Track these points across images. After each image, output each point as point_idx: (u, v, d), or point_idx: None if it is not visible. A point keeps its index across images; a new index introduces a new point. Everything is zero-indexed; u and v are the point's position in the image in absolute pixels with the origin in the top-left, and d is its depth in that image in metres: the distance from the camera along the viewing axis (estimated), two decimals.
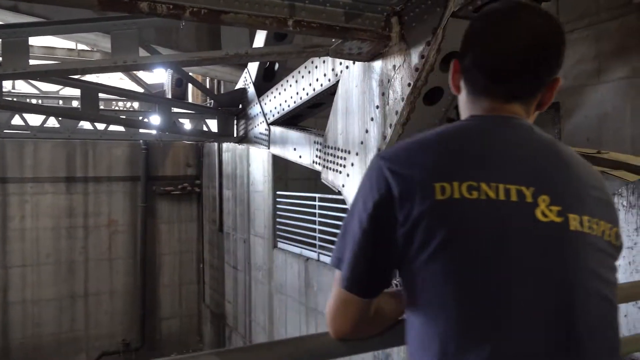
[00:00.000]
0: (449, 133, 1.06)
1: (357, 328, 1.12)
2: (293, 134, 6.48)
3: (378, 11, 4.14)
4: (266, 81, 7.79)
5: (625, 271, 3.54)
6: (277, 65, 7.78)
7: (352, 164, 5.02)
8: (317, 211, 8.09)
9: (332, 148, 5.44)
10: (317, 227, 8.08)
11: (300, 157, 6.30)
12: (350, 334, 1.12)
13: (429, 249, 0.92)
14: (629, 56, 6.92)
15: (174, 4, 3.45)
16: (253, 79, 7.81)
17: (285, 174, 9.93)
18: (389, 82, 4.44)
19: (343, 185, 5.24)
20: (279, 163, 9.62)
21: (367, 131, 4.75)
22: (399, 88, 4.27)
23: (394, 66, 4.34)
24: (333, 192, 8.08)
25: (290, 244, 9.00)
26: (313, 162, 5.96)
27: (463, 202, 0.92)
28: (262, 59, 4.96)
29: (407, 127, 4.39)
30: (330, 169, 5.50)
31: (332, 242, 7.74)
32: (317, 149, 5.84)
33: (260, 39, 7.11)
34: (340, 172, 5.28)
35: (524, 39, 1.04)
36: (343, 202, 7.42)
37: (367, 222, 0.98)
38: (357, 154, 4.94)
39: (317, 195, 8.13)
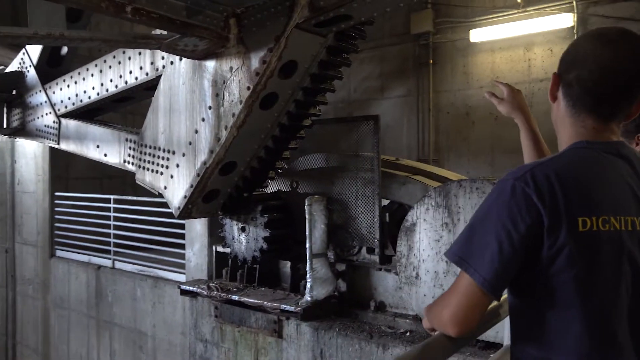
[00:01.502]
0: (577, 166, 1.17)
1: (478, 324, 1.17)
2: (96, 129, 5.81)
3: (219, 11, 4.06)
4: (51, 66, 6.78)
5: (432, 260, 4.25)
6: (64, 50, 6.84)
7: (178, 165, 4.78)
8: (112, 214, 7.38)
9: (150, 147, 5.08)
10: (112, 231, 7.37)
11: (105, 155, 5.69)
12: (472, 330, 1.17)
13: (571, 270, 1.10)
14: (405, 78, 8.24)
15: None
16: (34, 62, 6.71)
17: (66, 172, 8.76)
18: (224, 83, 4.38)
19: (165, 187, 4.94)
20: (58, 160, 8.46)
21: (196, 132, 4.59)
22: (237, 91, 4.26)
23: (231, 68, 4.30)
24: (137, 192, 7.50)
25: (75, 252, 7.99)
26: (124, 161, 5.46)
27: (599, 233, 1.11)
28: (82, 44, 4.29)
29: (242, 130, 4.41)
30: (148, 169, 5.13)
31: (129, 247, 7.17)
32: (130, 148, 5.37)
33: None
34: (162, 174, 4.97)
35: (628, 64, 1.15)
36: (143, 204, 6.97)
37: (518, 242, 1.09)
38: (183, 155, 4.73)
39: (112, 196, 7.42)
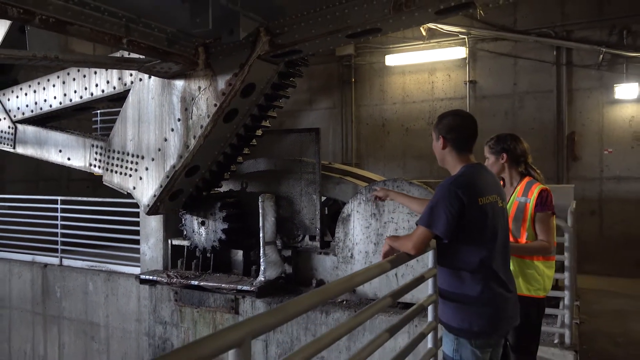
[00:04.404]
0: (472, 175, 2.28)
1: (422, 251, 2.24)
2: (58, 135, 6.32)
3: (191, 41, 4.91)
4: (1, 74, 7.11)
5: (364, 243, 5.39)
6: None
7: (147, 168, 5.52)
8: (59, 214, 7.77)
9: (119, 152, 5.75)
10: (59, 231, 7.76)
11: (69, 159, 6.24)
12: (420, 253, 2.23)
13: (479, 221, 2.20)
14: (330, 93, 9.45)
15: (25, 9, 3.53)
16: None
17: (2, 175, 8.90)
18: (192, 100, 5.22)
19: (134, 188, 5.65)
20: None
21: (166, 140, 5.38)
22: (205, 107, 5.13)
23: (199, 87, 5.16)
24: (72, 193, 7.88)
25: (16, 252, 8.23)
26: (90, 164, 6.06)
27: (486, 204, 2.23)
28: (76, 65, 4.88)
29: (208, 139, 5.28)
30: (116, 172, 5.79)
31: (79, 245, 7.62)
32: (96, 153, 5.98)
33: None
34: (131, 176, 5.67)
35: (474, 124, 2.37)
36: (89, 204, 7.50)
37: (454, 213, 2.15)
38: (153, 160, 5.48)
39: (59, 197, 7.81)
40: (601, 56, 7.40)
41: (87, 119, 9.53)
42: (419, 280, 2.30)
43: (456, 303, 2.19)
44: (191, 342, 0.97)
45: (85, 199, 7.60)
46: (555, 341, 3.88)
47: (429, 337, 2.42)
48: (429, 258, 2.51)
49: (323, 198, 5.98)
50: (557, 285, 4.52)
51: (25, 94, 6.57)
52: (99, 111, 9.08)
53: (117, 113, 8.05)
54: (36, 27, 3.66)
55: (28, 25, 3.63)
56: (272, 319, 1.16)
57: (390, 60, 8.73)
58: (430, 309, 2.44)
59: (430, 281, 2.43)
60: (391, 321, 5.02)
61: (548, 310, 3.97)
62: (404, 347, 2.24)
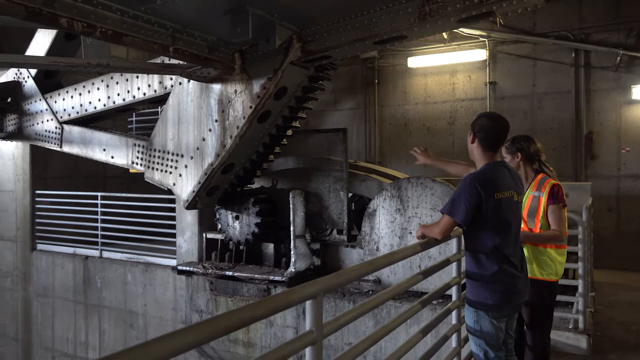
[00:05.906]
0: (492, 172, 2.54)
1: (447, 237, 2.59)
2: (102, 135, 6.78)
3: (229, 48, 5.31)
4: (48, 78, 7.62)
5: (389, 236, 5.73)
6: None
7: (186, 166, 5.94)
8: (99, 209, 8.26)
9: (160, 151, 6.18)
10: (99, 225, 8.25)
11: (112, 157, 6.69)
12: (445, 238, 2.58)
13: (495, 213, 2.47)
14: (354, 93, 9.82)
15: (88, 23, 3.94)
16: (32, 73, 7.51)
17: (45, 173, 9.44)
18: (229, 102, 5.62)
19: (174, 184, 6.07)
20: (37, 161, 9.18)
21: (204, 139, 5.79)
22: (241, 108, 5.52)
23: (236, 91, 5.55)
24: (107, 190, 8.32)
25: (59, 244, 8.76)
26: (132, 162, 6.50)
27: (502, 199, 2.51)
28: (125, 71, 5.32)
29: (243, 139, 5.67)
30: (157, 169, 6.22)
31: (117, 238, 8.10)
32: (138, 151, 6.42)
33: (43, 38, 7.10)
34: (171, 173, 6.09)
35: (504, 129, 2.63)
36: (127, 199, 7.98)
37: (473, 204, 2.44)
38: (192, 158, 5.89)
39: (99, 194, 8.30)
40: (618, 58, 7.61)
41: (122, 119, 10.02)
42: (445, 263, 2.64)
43: (475, 281, 2.53)
44: (283, 292, 1.31)
45: (123, 194, 8.08)
46: (570, 326, 4.17)
47: (454, 313, 2.76)
48: (453, 245, 2.85)
49: (349, 194, 6.33)
50: (573, 276, 4.80)
51: (72, 97, 7.05)
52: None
53: (152, 114, 8.54)
54: (96, 39, 4.08)
55: (90, 37, 4.04)
56: (337, 280, 1.51)
57: (413, 62, 9.04)
58: (454, 289, 2.77)
59: (454, 265, 2.76)
60: (414, 309, 5.40)
61: (564, 298, 4.29)
62: (431, 319, 2.58)
